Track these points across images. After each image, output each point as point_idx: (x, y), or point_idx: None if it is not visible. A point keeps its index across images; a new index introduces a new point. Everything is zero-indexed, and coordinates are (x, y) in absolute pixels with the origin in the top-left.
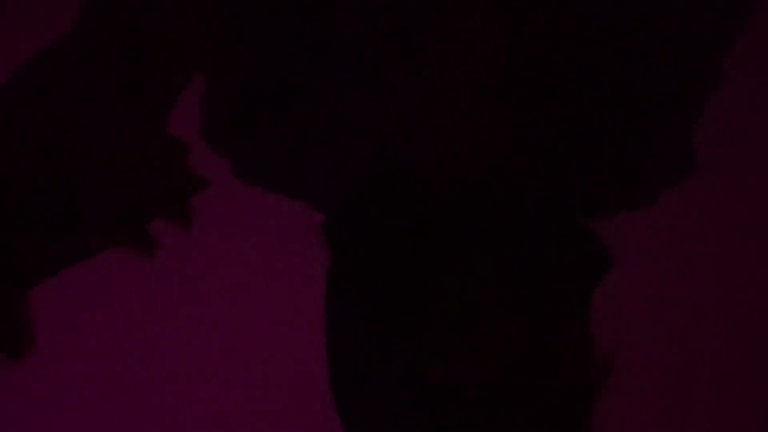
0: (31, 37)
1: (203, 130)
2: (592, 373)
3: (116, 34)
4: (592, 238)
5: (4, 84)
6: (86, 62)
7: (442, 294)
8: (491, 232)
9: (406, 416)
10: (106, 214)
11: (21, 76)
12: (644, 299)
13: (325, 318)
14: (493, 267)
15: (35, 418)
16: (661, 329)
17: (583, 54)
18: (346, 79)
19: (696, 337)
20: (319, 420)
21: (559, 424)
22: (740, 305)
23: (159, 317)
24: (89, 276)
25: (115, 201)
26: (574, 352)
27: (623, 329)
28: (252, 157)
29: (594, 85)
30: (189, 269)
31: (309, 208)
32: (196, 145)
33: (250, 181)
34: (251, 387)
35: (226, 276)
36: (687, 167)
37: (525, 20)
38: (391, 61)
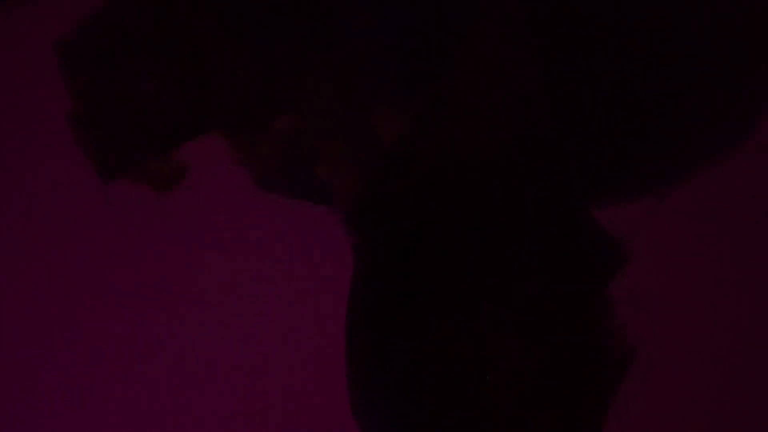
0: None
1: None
2: (606, 372)
3: None
4: (597, 239)
5: None
6: None
7: (443, 296)
8: (492, 233)
9: (406, 417)
10: None
11: None
12: (651, 298)
13: (347, 317)
14: (494, 268)
15: (35, 417)
16: (667, 329)
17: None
18: (361, 77)
19: (701, 337)
20: (319, 420)
21: (569, 423)
22: (742, 306)
23: (169, 319)
24: (92, 276)
25: None
26: (581, 351)
27: (631, 328)
28: (272, 163)
29: (606, 87)
30: (206, 273)
31: (329, 212)
32: (214, 155)
33: (271, 189)
34: (255, 387)
35: (233, 279)
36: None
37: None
38: (409, 62)
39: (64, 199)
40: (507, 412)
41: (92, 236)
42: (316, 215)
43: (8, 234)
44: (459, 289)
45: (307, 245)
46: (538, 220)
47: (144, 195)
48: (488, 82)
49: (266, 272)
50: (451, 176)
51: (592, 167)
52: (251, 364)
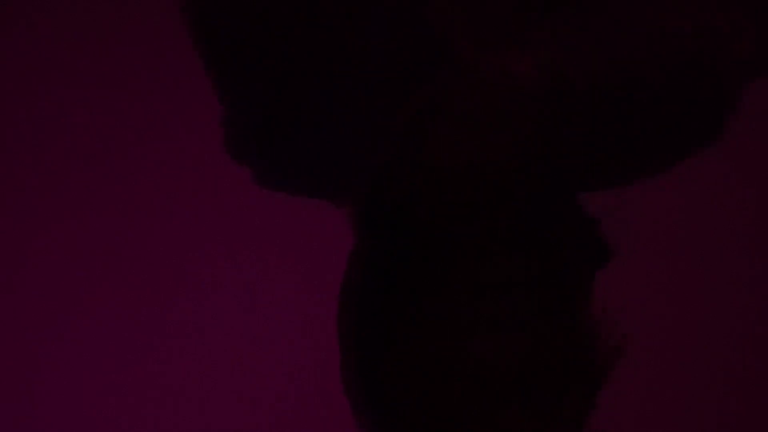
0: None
1: (225, 141)
2: (598, 362)
3: None
4: (592, 230)
5: None
6: None
7: (448, 293)
8: (494, 228)
9: (415, 410)
10: None
11: None
12: (647, 291)
13: (340, 303)
14: (497, 265)
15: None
16: (663, 322)
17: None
18: (364, 79)
19: (699, 330)
20: (319, 420)
21: (564, 412)
22: (745, 299)
23: (174, 324)
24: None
25: None
26: (580, 341)
27: (626, 321)
28: (275, 162)
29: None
30: (213, 277)
31: (331, 208)
32: (216, 156)
33: (274, 187)
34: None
35: (245, 281)
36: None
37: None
38: (412, 63)
39: (64, 198)
40: (481, 408)
41: (91, 236)
42: (317, 212)
43: (8, 234)
44: (448, 285)
45: (308, 242)
46: (530, 214)
47: (144, 196)
48: (485, 82)
49: (267, 270)
50: (450, 174)
51: (585, 155)
52: (251, 363)
